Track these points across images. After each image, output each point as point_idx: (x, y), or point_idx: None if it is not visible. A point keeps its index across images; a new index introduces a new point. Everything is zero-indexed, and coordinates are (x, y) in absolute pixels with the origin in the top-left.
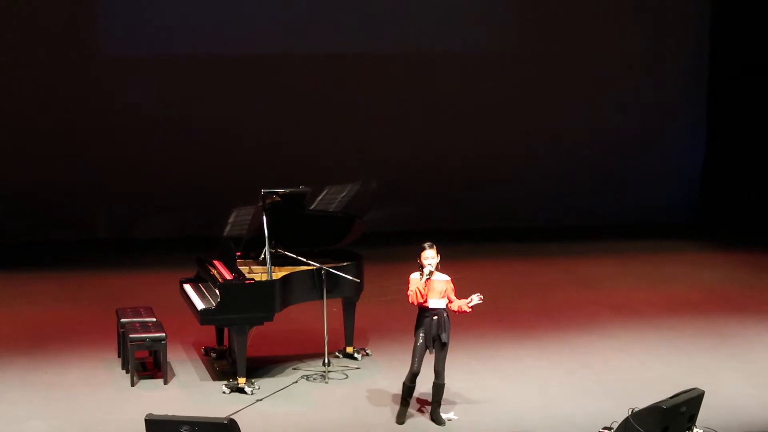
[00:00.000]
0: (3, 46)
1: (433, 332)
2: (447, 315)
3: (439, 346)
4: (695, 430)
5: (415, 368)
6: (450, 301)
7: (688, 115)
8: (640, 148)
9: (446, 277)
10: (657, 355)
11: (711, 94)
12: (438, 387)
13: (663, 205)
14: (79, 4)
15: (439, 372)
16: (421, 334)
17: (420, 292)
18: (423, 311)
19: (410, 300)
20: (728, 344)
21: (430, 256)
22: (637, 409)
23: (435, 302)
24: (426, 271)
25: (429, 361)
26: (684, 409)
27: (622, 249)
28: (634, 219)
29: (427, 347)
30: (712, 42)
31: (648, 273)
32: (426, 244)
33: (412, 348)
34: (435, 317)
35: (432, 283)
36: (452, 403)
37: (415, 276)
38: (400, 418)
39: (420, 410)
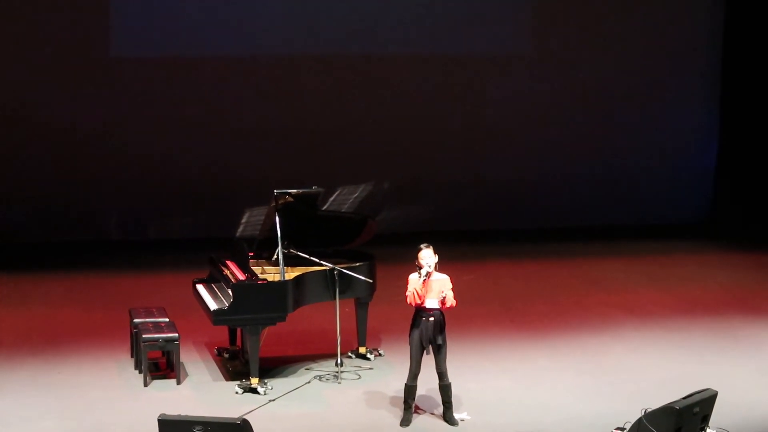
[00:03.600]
0: (15, 46)
1: (429, 334)
2: (443, 316)
3: (436, 348)
4: (708, 430)
5: (414, 369)
6: (443, 300)
7: (701, 114)
8: (652, 148)
9: (445, 277)
10: (669, 356)
11: (724, 93)
12: (445, 388)
13: (676, 206)
14: (95, 5)
15: (442, 374)
16: (416, 336)
17: (418, 293)
18: (419, 312)
19: (408, 301)
20: (741, 345)
21: (427, 256)
22: (650, 410)
23: (432, 303)
24: (424, 271)
25: (430, 365)
26: (697, 409)
27: (635, 250)
28: (647, 219)
29: (423, 348)
30: (725, 39)
31: (660, 274)
32: (422, 245)
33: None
34: (431, 318)
35: (430, 284)
36: (465, 403)
37: (413, 276)
38: (405, 422)
39: (429, 413)
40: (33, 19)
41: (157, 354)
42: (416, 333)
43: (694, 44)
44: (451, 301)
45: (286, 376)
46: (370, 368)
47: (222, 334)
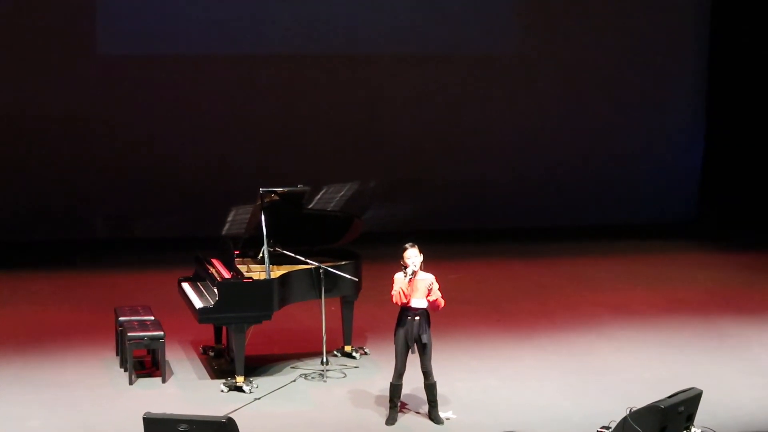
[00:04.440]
0: (4, 44)
1: (414, 333)
2: (428, 315)
3: (420, 347)
4: (693, 429)
5: (399, 367)
6: (430, 290)
7: (687, 115)
8: (638, 148)
9: (430, 276)
10: (655, 355)
11: (710, 93)
12: (430, 387)
13: (662, 206)
14: (82, 2)
15: (428, 373)
16: (401, 335)
17: (404, 293)
18: (405, 310)
19: (394, 300)
20: (727, 344)
21: (412, 255)
22: (635, 409)
23: (418, 302)
24: (409, 270)
25: (416, 364)
26: (682, 408)
27: (621, 249)
28: (633, 219)
29: (408, 347)
30: (711, 41)
31: (647, 273)
32: (407, 244)
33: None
34: (417, 317)
35: (416, 283)
36: (451, 402)
37: (399, 276)
38: (390, 420)
39: (414, 411)
40: (23, 17)
41: (143, 352)
42: (402, 332)
43: (680, 45)
44: (436, 294)
45: (271, 374)
46: (356, 367)
47: (207, 332)
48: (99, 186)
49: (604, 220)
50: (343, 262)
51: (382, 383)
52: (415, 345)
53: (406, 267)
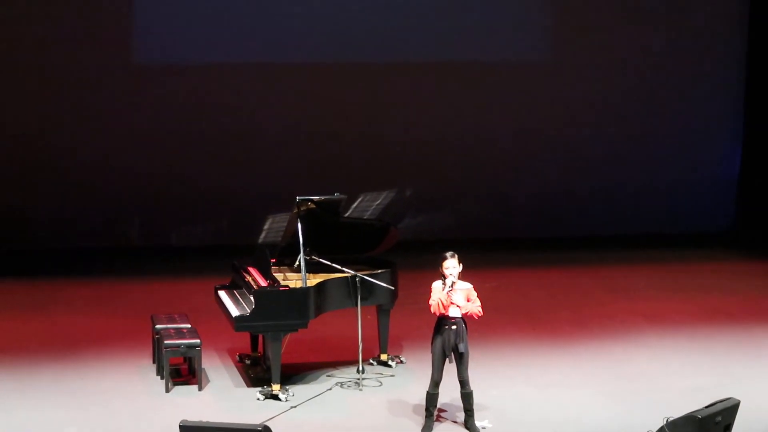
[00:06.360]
0: (37, 52)
1: (451, 342)
2: (465, 324)
3: (457, 356)
4: None
5: (436, 377)
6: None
7: (726, 122)
8: (676, 157)
9: (468, 285)
10: (692, 365)
11: (748, 99)
12: (466, 396)
13: (699, 214)
14: (118, 12)
15: (464, 382)
16: (438, 343)
17: (442, 303)
18: (442, 319)
19: (432, 310)
20: (764, 354)
21: (451, 266)
22: (672, 419)
23: (455, 311)
24: (449, 281)
25: (452, 373)
26: (719, 419)
27: (658, 258)
28: (670, 227)
29: (446, 356)
30: (749, 46)
31: (684, 282)
32: (447, 254)
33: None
34: (454, 326)
35: (454, 293)
36: (487, 411)
37: (437, 284)
38: (427, 429)
39: (451, 420)
40: (52, 29)
41: (179, 360)
42: (439, 341)
43: (717, 51)
44: (469, 309)
45: (307, 382)
46: (392, 375)
47: (244, 340)
48: (135, 194)
49: (641, 228)
50: (380, 271)
51: (418, 392)
52: (452, 354)
53: (445, 277)
